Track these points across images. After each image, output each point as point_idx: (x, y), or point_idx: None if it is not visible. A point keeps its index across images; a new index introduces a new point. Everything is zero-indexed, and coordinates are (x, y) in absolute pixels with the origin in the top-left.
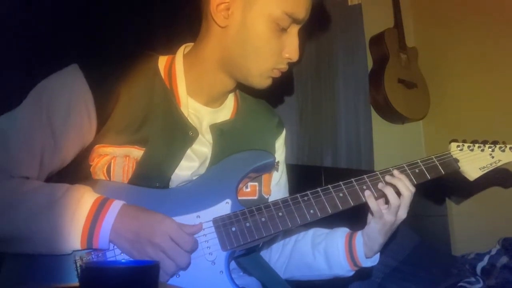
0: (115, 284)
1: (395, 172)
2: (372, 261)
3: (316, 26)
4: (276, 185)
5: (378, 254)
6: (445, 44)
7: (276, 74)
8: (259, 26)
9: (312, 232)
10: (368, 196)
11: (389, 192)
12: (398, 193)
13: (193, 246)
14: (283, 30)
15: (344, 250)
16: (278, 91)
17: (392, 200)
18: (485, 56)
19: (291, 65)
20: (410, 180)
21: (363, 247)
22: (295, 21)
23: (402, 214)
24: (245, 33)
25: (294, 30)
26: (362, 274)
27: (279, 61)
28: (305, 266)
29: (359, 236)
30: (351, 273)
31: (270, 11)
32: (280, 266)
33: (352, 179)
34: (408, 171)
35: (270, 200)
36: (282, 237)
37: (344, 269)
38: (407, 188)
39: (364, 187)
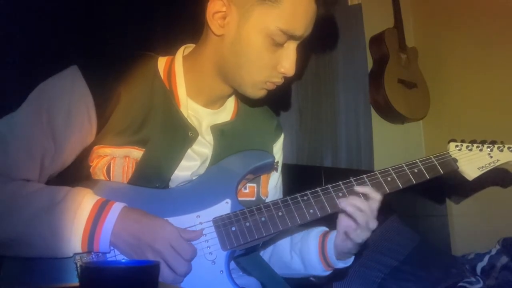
0: (115, 284)
1: (357, 188)
2: (344, 263)
3: (315, 26)
4: (273, 189)
5: (352, 257)
6: (445, 44)
7: (270, 86)
8: (254, 39)
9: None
10: (347, 206)
11: (360, 204)
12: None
13: (193, 255)
14: (279, 45)
15: (317, 251)
16: (278, 92)
17: (359, 219)
18: (485, 56)
19: (288, 78)
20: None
21: (334, 249)
22: (291, 37)
23: (372, 225)
24: (239, 44)
25: (291, 45)
26: (362, 274)
27: (273, 75)
28: (284, 265)
29: (331, 237)
30: (327, 273)
31: (265, 26)
32: None
33: (352, 179)
34: (407, 171)
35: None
36: None
37: (318, 269)
38: (365, 205)
39: None
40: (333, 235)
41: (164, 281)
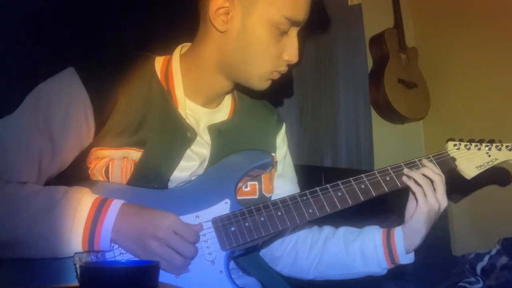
0: (115, 284)
1: (424, 161)
2: (409, 258)
3: (315, 25)
4: (280, 177)
5: (413, 252)
6: (445, 44)
7: (276, 76)
8: (260, 31)
9: (342, 230)
10: (408, 180)
11: (418, 177)
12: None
13: (196, 237)
14: (283, 33)
15: (382, 247)
16: (278, 91)
17: (423, 184)
18: (485, 56)
19: (291, 65)
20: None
21: (404, 242)
22: (294, 23)
23: (442, 199)
24: (245, 38)
25: (293, 32)
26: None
27: (279, 64)
28: (339, 265)
29: (398, 231)
30: (386, 271)
31: (270, 16)
32: (309, 265)
33: (351, 178)
34: None
35: (274, 195)
36: (310, 235)
37: (381, 266)
38: (434, 172)
39: (363, 186)
40: (399, 230)
41: (175, 267)
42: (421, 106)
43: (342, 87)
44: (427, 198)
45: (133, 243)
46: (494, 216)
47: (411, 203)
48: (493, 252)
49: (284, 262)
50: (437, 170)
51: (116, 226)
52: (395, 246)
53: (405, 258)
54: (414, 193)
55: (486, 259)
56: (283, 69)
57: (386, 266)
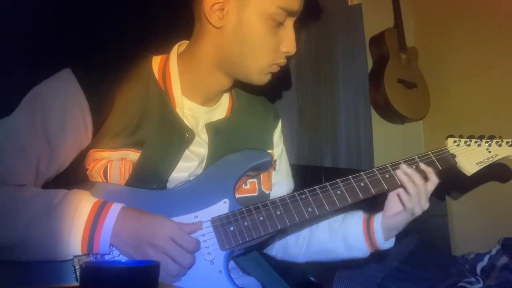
0: (115, 284)
1: (403, 167)
2: (389, 244)
3: (315, 24)
4: (277, 173)
5: (394, 238)
6: (445, 44)
7: (275, 69)
8: (256, 24)
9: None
10: (407, 181)
11: (406, 181)
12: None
13: (196, 247)
14: (280, 24)
15: (363, 234)
16: (278, 91)
17: (410, 189)
18: (485, 56)
19: (289, 57)
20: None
21: (382, 233)
22: (290, 14)
23: (424, 203)
24: (242, 32)
25: (289, 23)
26: (362, 273)
27: (277, 56)
28: (324, 252)
29: (377, 220)
30: (368, 255)
31: (265, 7)
32: (298, 251)
33: (350, 176)
34: None
35: (274, 189)
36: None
37: (363, 251)
38: (419, 179)
39: (362, 184)
40: (378, 217)
41: (169, 275)
42: (421, 106)
43: (342, 87)
44: (415, 209)
45: (131, 248)
46: (494, 216)
47: (394, 200)
48: (493, 252)
49: (277, 248)
50: (434, 177)
51: (115, 230)
52: (374, 236)
53: (385, 244)
54: (403, 201)
55: (486, 259)
56: (282, 61)
57: (367, 251)
